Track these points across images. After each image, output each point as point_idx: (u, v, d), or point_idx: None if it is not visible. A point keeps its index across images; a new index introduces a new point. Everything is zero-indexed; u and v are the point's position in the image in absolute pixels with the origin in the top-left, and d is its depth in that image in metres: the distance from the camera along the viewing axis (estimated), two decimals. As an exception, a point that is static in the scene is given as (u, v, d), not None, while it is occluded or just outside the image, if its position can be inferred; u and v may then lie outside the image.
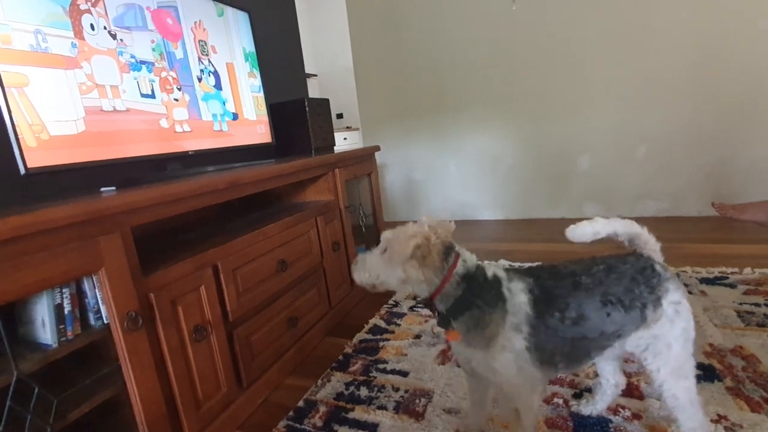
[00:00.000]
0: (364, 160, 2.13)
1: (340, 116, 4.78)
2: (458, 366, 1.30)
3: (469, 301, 0.81)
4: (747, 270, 1.79)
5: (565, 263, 0.86)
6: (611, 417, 1.05)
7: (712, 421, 0.99)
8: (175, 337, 1.03)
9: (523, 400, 0.83)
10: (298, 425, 1.16)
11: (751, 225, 1.47)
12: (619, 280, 0.81)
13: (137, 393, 0.94)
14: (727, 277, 1.76)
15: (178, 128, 1.44)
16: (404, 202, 3.71)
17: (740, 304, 1.53)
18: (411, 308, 1.82)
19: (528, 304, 0.79)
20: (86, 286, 0.90)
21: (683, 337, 0.82)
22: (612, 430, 1.01)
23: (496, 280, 0.82)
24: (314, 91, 4.62)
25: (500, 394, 1.00)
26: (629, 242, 0.87)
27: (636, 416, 1.04)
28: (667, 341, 0.82)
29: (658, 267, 0.84)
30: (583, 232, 0.80)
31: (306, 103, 2.01)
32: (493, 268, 0.85)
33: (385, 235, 0.87)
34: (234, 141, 1.69)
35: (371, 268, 0.87)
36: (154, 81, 1.36)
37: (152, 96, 1.35)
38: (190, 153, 1.49)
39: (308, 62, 4.31)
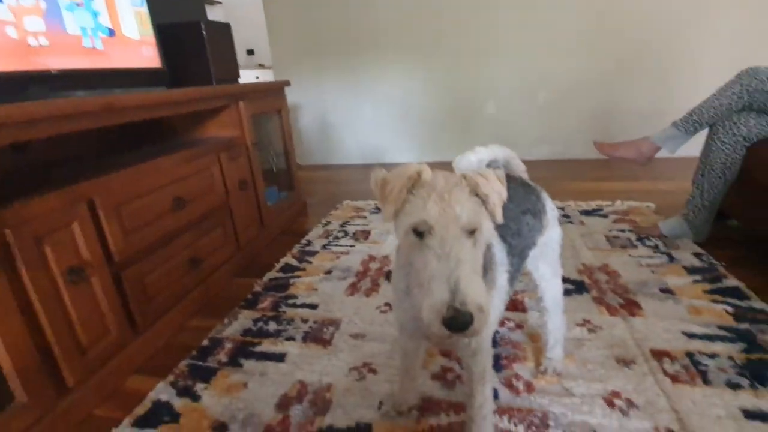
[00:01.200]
0: (272, 94, 1.99)
1: (250, 52, 4.39)
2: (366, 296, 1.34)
3: None
4: (618, 202, 2.08)
5: None
6: (498, 328, 1.17)
7: (577, 325, 1.16)
8: (43, 279, 0.91)
9: (486, 352, 0.75)
10: (201, 363, 1.13)
11: (623, 162, 1.67)
12: (519, 194, 0.85)
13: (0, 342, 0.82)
14: (602, 209, 2.02)
15: (32, 41, 1.19)
16: (319, 145, 3.61)
17: (609, 230, 1.77)
18: (324, 246, 1.82)
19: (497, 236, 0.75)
20: None
21: (557, 240, 0.93)
22: (498, 339, 1.13)
23: None
24: (218, 19, 4.13)
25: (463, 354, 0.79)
26: (505, 165, 0.93)
27: (519, 326, 1.18)
28: (552, 245, 0.92)
29: (531, 183, 0.92)
30: (468, 160, 0.84)
31: (203, 27, 1.78)
32: None
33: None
34: (112, 62, 1.45)
35: None
36: (-9, -24, 1.08)
37: (-5, -3, 1.08)
38: (53, 72, 1.24)
39: (211, -15, 3.80)
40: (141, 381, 1.09)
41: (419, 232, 0.54)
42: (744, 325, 1.12)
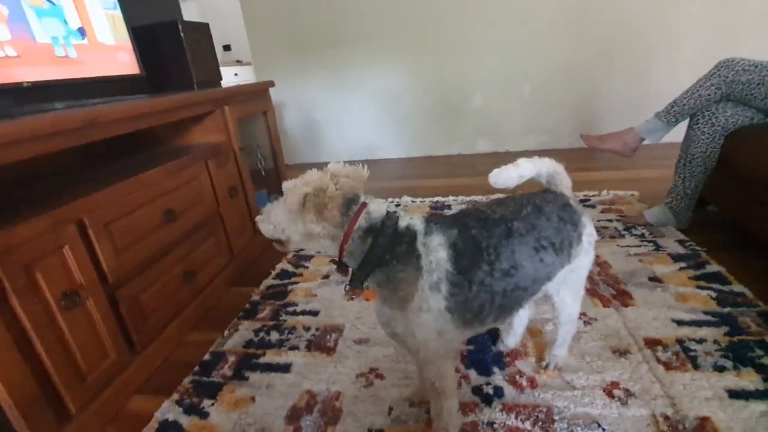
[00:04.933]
0: (257, 96, 1.94)
1: (227, 48, 4.26)
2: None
3: (378, 257, 0.71)
4: (604, 192, 2.13)
5: (492, 206, 0.79)
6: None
7: (575, 317, 1.19)
8: (37, 307, 0.88)
9: (437, 367, 0.78)
10: (205, 378, 1.12)
11: (609, 153, 1.71)
12: (549, 222, 0.77)
13: (-5, 377, 0.79)
14: (589, 199, 2.07)
15: (-1, 52, 1.12)
16: (306, 143, 3.56)
17: (598, 221, 1.81)
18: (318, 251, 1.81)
19: (448, 261, 0.70)
20: None
21: (587, 266, 0.86)
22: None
23: (410, 234, 0.72)
24: (192, 15, 3.98)
25: (416, 362, 0.91)
26: (548, 181, 0.84)
27: (518, 322, 1.20)
28: (579, 273, 0.84)
29: (573, 202, 0.82)
30: (508, 176, 0.75)
31: (180, 27, 1.71)
32: (410, 219, 0.75)
33: (286, 184, 0.75)
34: (87, 71, 1.39)
35: (276, 220, 0.75)
36: (-50, -16, 1.01)
37: (-48, 6, 1.02)
38: (25, 85, 1.18)
39: (180, -21, 3.65)
40: (144, 401, 1.07)
41: None
42: (726, 309, 1.18)
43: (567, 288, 0.87)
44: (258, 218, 0.80)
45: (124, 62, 1.55)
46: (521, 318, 1.09)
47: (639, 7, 2.79)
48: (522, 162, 0.77)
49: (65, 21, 1.32)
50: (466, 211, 0.80)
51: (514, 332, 1.10)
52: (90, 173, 1.30)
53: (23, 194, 1.11)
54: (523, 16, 2.92)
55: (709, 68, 1.48)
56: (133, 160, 1.45)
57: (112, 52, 1.50)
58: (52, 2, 1.28)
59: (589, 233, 0.82)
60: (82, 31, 1.38)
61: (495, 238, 0.73)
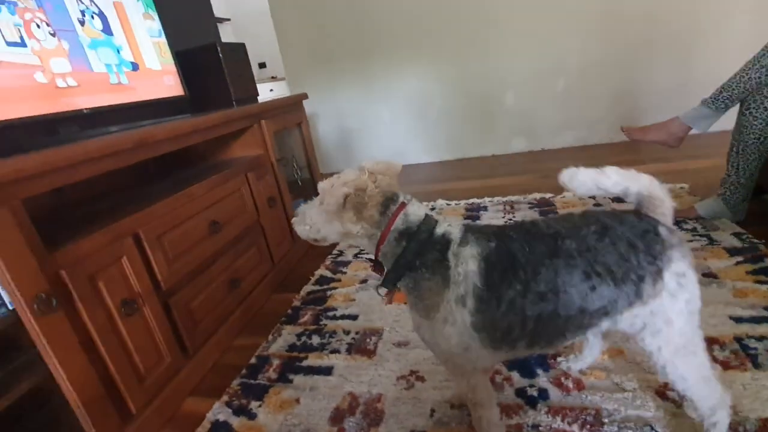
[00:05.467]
0: (291, 109, 2.02)
1: (262, 66, 4.44)
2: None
3: (408, 262, 0.70)
4: (650, 186, 2.02)
5: (551, 220, 0.72)
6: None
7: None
8: (100, 313, 0.95)
9: (467, 380, 0.77)
10: (252, 381, 1.16)
11: (653, 145, 1.63)
12: (614, 246, 0.64)
13: (65, 377, 0.86)
14: (634, 194, 1.97)
15: (61, 83, 1.23)
16: (339, 151, 3.64)
17: (644, 216, 1.73)
18: (355, 255, 1.84)
19: (478, 275, 0.66)
20: (-23, 271, 0.78)
21: (687, 310, 0.67)
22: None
23: (444, 241, 0.69)
24: (229, 37, 4.20)
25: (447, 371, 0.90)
26: (640, 202, 0.69)
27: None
28: (667, 317, 0.67)
29: (663, 231, 0.66)
30: (582, 181, 0.64)
31: (219, 49, 1.81)
32: (447, 226, 0.71)
33: (321, 184, 0.77)
34: (138, 95, 1.50)
35: (311, 221, 0.78)
36: (20, 25, 1.13)
37: (22, 44, 1.13)
38: (84, 112, 1.30)
39: (218, 4, 3.87)
40: (197, 403, 1.13)
41: None
42: (790, 305, 1.09)
43: (655, 336, 0.69)
44: (294, 220, 0.82)
45: (170, 85, 1.66)
46: (592, 347, 0.98)
47: (678, -9, 2.65)
48: (609, 171, 0.64)
49: (118, 51, 1.44)
50: (518, 223, 0.73)
51: (582, 357, 1.00)
52: (142, 190, 1.40)
53: (85, 211, 1.21)
54: (553, 9, 2.84)
55: (756, 50, 1.38)
56: (179, 175, 1.54)
57: (159, 77, 1.61)
58: (106, 32, 1.39)
59: (677, 271, 0.65)
60: (132, 60, 1.49)
61: (536, 255, 0.65)
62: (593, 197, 2.01)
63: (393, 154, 3.48)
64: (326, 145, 3.64)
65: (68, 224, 1.08)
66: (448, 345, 0.70)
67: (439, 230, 0.71)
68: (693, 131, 1.56)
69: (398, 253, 0.71)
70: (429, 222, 0.71)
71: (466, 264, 0.67)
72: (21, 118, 1.11)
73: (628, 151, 2.75)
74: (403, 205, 0.72)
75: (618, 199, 1.62)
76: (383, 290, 0.76)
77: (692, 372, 0.71)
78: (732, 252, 1.37)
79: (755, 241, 1.41)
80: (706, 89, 1.50)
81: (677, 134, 1.56)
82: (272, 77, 4.08)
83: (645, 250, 0.65)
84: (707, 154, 2.37)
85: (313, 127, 3.54)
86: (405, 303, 0.78)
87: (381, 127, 3.46)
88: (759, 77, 1.37)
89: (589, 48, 2.88)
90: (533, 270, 0.65)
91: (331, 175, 0.78)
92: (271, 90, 3.77)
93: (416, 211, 0.72)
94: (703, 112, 1.50)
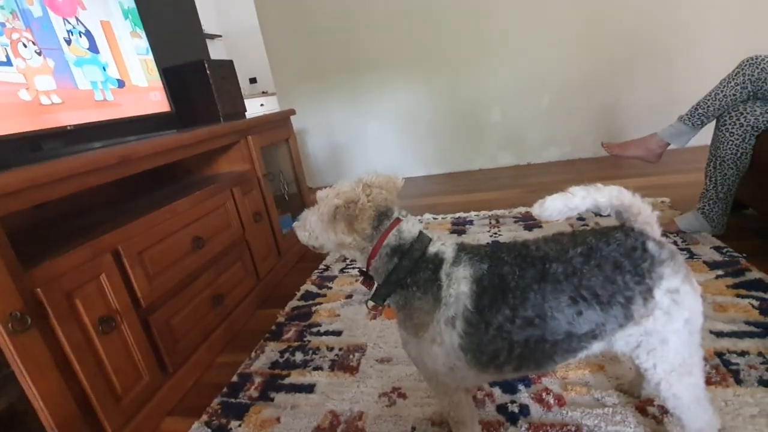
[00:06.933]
0: (279, 125, 2.03)
1: (253, 81, 4.48)
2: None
3: (399, 279, 0.70)
4: (632, 200, 2.06)
5: (541, 241, 0.70)
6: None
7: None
8: (76, 332, 0.94)
9: (449, 398, 0.77)
10: (232, 400, 1.14)
11: (633, 160, 1.67)
12: (599, 269, 0.63)
13: (39, 398, 0.85)
14: (617, 209, 2.00)
15: (45, 100, 1.24)
16: (329, 166, 3.66)
17: (626, 230, 1.75)
18: (341, 270, 1.84)
19: (469, 297, 0.65)
20: (-52, 290, 0.77)
21: (686, 329, 0.65)
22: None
23: (436, 261, 0.69)
24: (220, 53, 4.24)
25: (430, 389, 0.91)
26: (616, 215, 0.68)
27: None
28: (663, 336, 0.65)
29: (651, 246, 0.64)
30: (554, 208, 0.62)
31: (206, 66, 1.83)
32: (441, 245, 0.71)
33: (320, 193, 0.77)
34: (124, 112, 1.51)
35: (311, 228, 0.78)
36: (6, 45, 1.14)
37: (8, 63, 1.14)
38: (69, 128, 1.30)
39: (209, 21, 3.92)
40: (176, 423, 1.11)
41: None
42: (771, 319, 1.10)
43: (650, 355, 0.67)
44: (295, 224, 0.82)
45: (156, 101, 1.67)
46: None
47: (658, 8, 2.75)
48: (575, 191, 0.62)
49: (104, 68, 1.45)
50: (509, 244, 0.71)
51: None
52: (125, 205, 1.39)
53: (66, 227, 1.20)
54: (537, 26, 2.93)
55: (732, 69, 1.43)
56: (164, 191, 1.54)
57: (145, 93, 1.62)
58: (92, 50, 1.41)
59: (669, 288, 0.63)
60: (118, 77, 1.50)
61: (525, 279, 0.64)
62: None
63: (381, 169, 3.49)
64: (316, 160, 3.66)
65: (47, 240, 1.07)
66: (434, 364, 0.71)
67: (432, 249, 0.71)
68: (671, 147, 1.60)
69: (389, 269, 0.71)
70: (423, 240, 0.71)
71: (458, 285, 0.67)
72: (3, 135, 1.11)
73: (611, 166, 2.80)
74: (398, 220, 0.72)
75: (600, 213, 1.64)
76: (371, 304, 0.77)
77: (686, 392, 0.69)
78: (712, 266, 1.39)
79: (735, 254, 1.43)
80: (686, 107, 1.54)
81: (655, 150, 1.60)
82: (263, 92, 4.11)
83: (631, 270, 0.63)
84: (688, 168, 2.42)
85: (302, 142, 3.57)
86: (391, 319, 0.77)
87: (370, 142, 3.49)
88: (733, 94, 1.41)
89: (572, 65, 2.96)
90: (522, 294, 0.64)
91: (321, 189, 0.78)
92: (262, 105, 3.80)
93: (410, 228, 0.72)
94: (680, 129, 1.54)
